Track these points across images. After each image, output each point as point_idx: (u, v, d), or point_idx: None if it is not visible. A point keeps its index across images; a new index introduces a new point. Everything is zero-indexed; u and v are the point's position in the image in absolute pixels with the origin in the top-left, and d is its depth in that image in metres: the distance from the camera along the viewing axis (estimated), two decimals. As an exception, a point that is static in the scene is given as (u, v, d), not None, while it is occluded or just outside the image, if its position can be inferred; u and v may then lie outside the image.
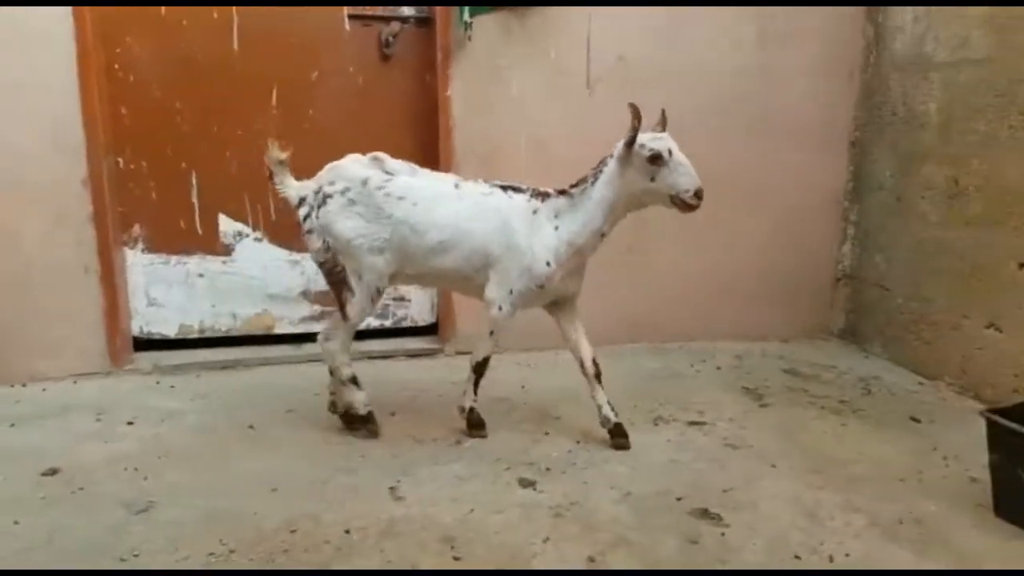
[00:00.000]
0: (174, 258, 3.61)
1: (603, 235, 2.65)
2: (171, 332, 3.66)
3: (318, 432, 2.89)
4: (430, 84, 3.64)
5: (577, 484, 2.52)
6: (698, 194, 2.45)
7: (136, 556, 2.09)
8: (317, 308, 3.76)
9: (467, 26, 3.40)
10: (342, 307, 2.73)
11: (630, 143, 2.49)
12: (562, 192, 2.67)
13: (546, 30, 3.62)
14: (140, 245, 3.57)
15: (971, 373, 3.32)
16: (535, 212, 2.65)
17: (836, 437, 2.93)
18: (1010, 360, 3.12)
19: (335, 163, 2.70)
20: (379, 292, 2.72)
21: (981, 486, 2.43)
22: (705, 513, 2.36)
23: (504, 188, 2.71)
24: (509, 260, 2.64)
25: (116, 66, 3.42)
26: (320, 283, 3.70)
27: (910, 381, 3.54)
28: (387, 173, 2.67)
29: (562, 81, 3.67)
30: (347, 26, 3.58)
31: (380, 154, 2.73)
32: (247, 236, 3.65)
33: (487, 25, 3.54)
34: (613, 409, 2.81)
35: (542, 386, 3.41)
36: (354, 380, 2.82)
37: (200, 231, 3.61)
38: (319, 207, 2.64)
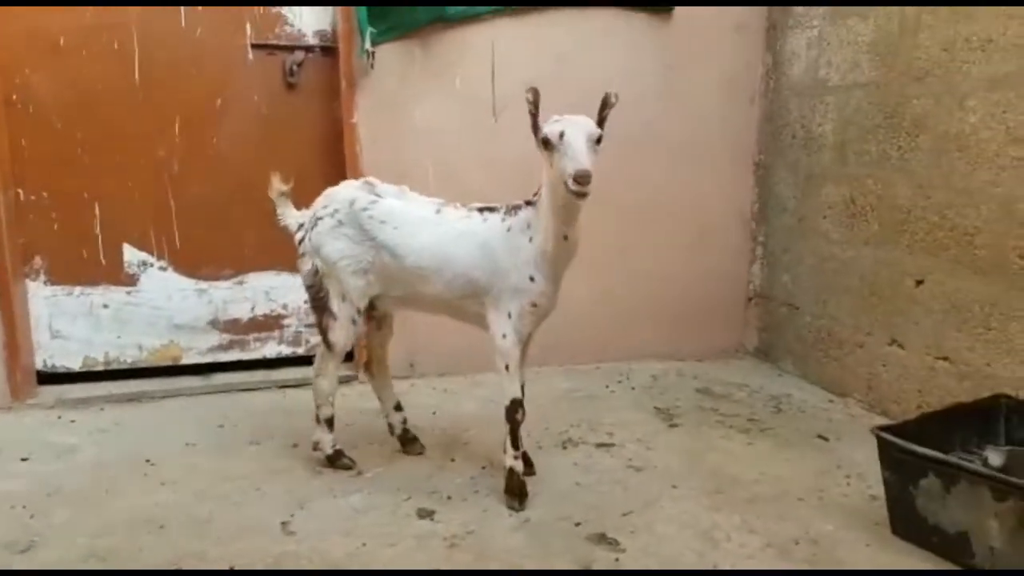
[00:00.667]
0: (78, 289, 3.54)
1: (566, 238, 2.41)
2: (76, 365, 3.58)
3: (217, 465, 2.83)
4: (336, 112, 3.63)
5: (477, 512, 2.50)
6: (578, 179, 2.16)
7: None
8: (226, 337, 3.71)
9: (369, 55, 3.39)
10: (324, 336, 2.71)
11: (533, 129, 2.36)
12: (528, 202, 2.54)
13: (450, 58, 3.63)
14: (42, 277, 3.50)
15: (877, 390, 3.37)
16: (509, 230, 2.53)
17: (741, 457, 2.95)
18: (913, 376, 3.17)
19: (330, 188, 2.71)
20: (359, 313, 2.69)
21: (880, 504, 2.43)
22: (602, 538, 2.35)
23: (481, 210, 2.63)
24: (498, 285, 2.53)
25: (15, 97, 3.36)
26: (229, 312, 3.69)
27: (821, 399, 3.58)
28: (375, 196, 2.65)
29: (468, 108, 3.68)
30: (250, 55, 3.56)
31: (371, 179, 2.74)
32: (152, 265, 3.59)
33: (391, 54, 3.54)
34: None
35: (454, 412, 3.40)
36: (329, 423, 2.81)
37: (104, 261, 3.55)
38: (312, 229, 2.65)
